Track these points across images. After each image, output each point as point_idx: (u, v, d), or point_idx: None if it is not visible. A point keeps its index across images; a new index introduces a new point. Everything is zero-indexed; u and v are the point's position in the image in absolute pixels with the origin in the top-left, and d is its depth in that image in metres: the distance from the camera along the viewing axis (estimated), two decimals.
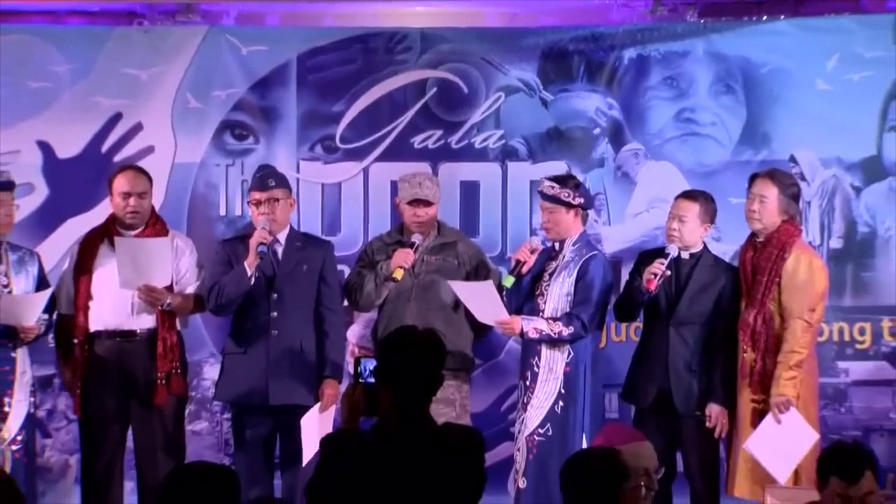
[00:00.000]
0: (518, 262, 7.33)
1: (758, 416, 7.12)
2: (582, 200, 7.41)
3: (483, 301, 7.26)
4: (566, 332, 7.22)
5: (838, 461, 5.26)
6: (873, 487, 5.11)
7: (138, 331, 7.41)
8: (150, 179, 7.58)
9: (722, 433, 7.21)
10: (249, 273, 7.30)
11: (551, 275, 7.36)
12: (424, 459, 4.62)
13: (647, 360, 7.36)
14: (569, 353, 7.27)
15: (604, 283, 7.38)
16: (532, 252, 7.32)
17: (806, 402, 7.16)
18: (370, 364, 4.86)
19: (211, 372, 8.22)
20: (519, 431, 7.34)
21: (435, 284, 7.47)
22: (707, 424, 7.18)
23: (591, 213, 8.33)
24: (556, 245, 7.45)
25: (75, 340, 7.43)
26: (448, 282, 7.36)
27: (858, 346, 8.36)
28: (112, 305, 7.40)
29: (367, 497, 4.59)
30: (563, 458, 7.11)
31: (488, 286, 7.26)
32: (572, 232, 7.40)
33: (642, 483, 5.03)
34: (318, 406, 7.24)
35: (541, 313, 7.29)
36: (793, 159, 8.36)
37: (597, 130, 8.57)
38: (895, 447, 8.11)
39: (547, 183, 7.52)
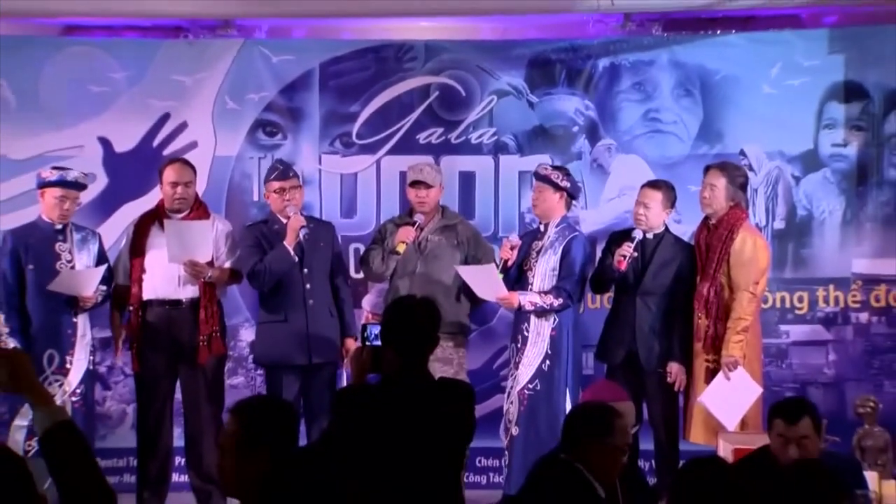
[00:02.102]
0: (504, 260, 7.37)
1: (710, 374, 7.15)
2: (568, 185, 7.45)
3: (485, 281, 7.27)
4: (556, 302, 7.28)
5: (783, 406, 5.34)
6: (810, 433, 5.13)
7: (184, 300, 7.43)
8: (194, 170, 7.58)
9: (680, 387, 7.25)
10: (291, 250, 7.33)
11: (538, 252, 7.40)
12: (423, 408, 4.67)
13: (617, 325, 7.39)
14: (554, 320, 7.32)
15: (584, 260, 7.44)
16: (512, 248, 7.35)
17: (751, 360, 7.18)
18: (375, 329, 4.91)
19: (246, 335, 8.25)
20: (511, 387, 7.38)
21: (437, 260, 7.46)
22: (668, 380, 7.22)
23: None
24: (542, 227, 7.50)
25: (130, 308, 7.47)
26: (455, 266, 7.36)
27: (797, 312, 8.36)
28: (162, 278, 7.41)
29: (376, 440, 4.62)
30: (549, 409, 7.32)
31: (490, 268, 7.28)
32: (556, 214, 7.45)
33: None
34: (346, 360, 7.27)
35: (530, 286, 7.34)
36: (742, 153, 8.35)
37: (576, 128, 8.56)
38: (829, 398, 8.07)
39: (542, 165, 7.59)
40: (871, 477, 5.75)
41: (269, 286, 7.40)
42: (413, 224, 7.43)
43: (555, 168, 7.57)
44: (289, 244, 7.31)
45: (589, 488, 4.74)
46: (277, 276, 7.35)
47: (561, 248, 7.38)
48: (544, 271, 7.37)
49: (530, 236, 7.56)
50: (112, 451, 8.16)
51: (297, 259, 7.33)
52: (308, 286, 7.39)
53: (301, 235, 7.30)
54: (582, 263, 7.40)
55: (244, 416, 3.80)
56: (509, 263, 7.36)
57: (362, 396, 4.73)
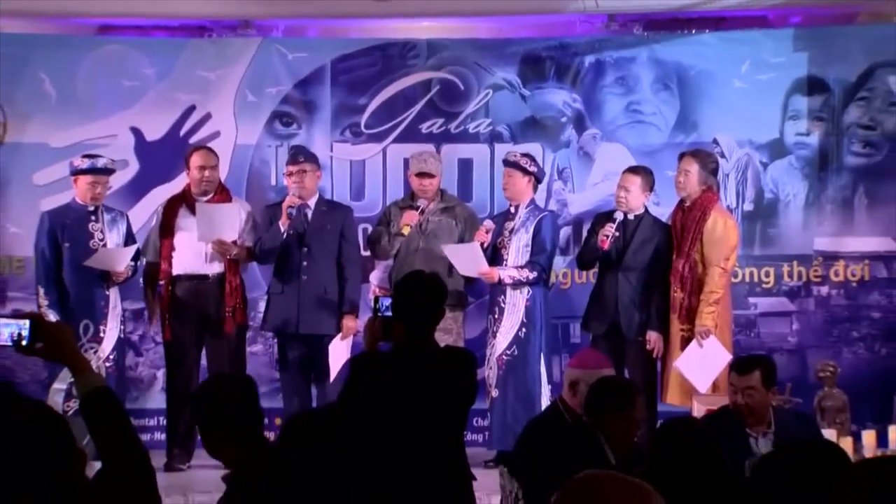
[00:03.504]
0: (481, 242, 7.37)
1: (685, 342, 7.17)
2: (535, 170, 7.50)
3: (468, 258, 7.30)
4: (531, 275, 7.32)
5: (739, 360, 5.44)
6: (756, 385, 5.21)
7: (210, 275, 7.46)
8: (217, 157, 7.62)
9: (658, 354, 7.26)
10: (283, 230, 7.34)
11: (511, 232, 7.44)
12: (430, 373, 4.70)
13: (601, 298, 7.39)
14: (528, 292, 7.36)
15: (554, 236, 7.52)
16: (487, 232, 7.37)
17: (722, 329, 7.20)
18: (386, 301, 4.93)
19: (264, 307, 8.31)
20: (489, 354, 7.41)
21: (438, 239, 7.49)
22: (647, 347, 7.24)
23: (559, 182, 8.47)
24: (513, 208, 7.52)
25: (161, 282, 7.50)
26: (441, 246, 7.38)
27: (765, 286, 8.35)
28: (190, 255, 7.45)
29: (387, 402, 4.66)
30: (525, 372, 7.34)
31: (474, 246, 7.31)
32: (525, 196, 7.48)
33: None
34: (340, 335, 7.30)
35: (504, 262, 7.38)
36: (715, 141, 8.32)
37: (564, 119, 8.53)
38: (792, 363, 8.07)
39: (511, 153, 7.62)
40: (829, 435, 5.80)
41: (266, 261, 7.51)
42: (416, 208, 7.45)
43: (523, 155, 7.59)
44: (282, 223, 7.33)
45: (601, 453, 4.74)
46: (271, 252, 7.39)
47: (532, 226, 7.42)
48: (518, 248, 7.41)
49: (502, 217, 7.60)
50: (143, 412, 8.17)
51: (285, 236, 7.32)
52: (304, 263, 7.42)
53: (288, 214, 7.28)
54: (552, 240, 7.47)
55: (205, 397, 3.83)
56: (485, 245, 7.38)
57: (375, 363, 4.75)
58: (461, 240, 7.51)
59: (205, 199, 7.51)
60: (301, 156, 7.55)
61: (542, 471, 4.65)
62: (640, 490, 1.97)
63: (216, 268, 7.46)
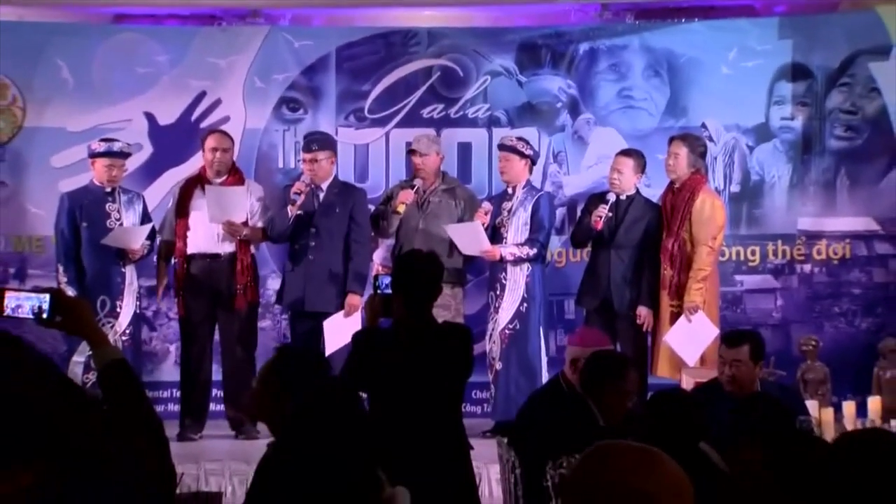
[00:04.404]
0: (481, 223, 7.38)
1: (674, 317, 7.18)
2: (531, 153, 7.52)
3: (471, 237, 7.31)
4: (532, 252, 7.34)
5: (729, 333, 5.45)
6: (744, 358, 5.22)
7: (222, 254, 7.46)
8: (231, 140, 7.64)
9: (648, 328, 7.28)
10: (290, 213, 7.34)
11: (509, 212, 7.44)
12: (428, 347, 4.70)
13: (594, 275, 7.41)
14: (528, 269, 7.38)
15: (550, 214, 7.54)
16: (486, 214, 7.38)
17: (710, 305, 7.21)
18: (386, 279, 4.93)
19: (273, 284, 8.22)
20: (492, 329, 7.43)
21: (438, 219, 7.49)
22: (637, 322, 7.25)
23: (554, 165, 8.47)
24: (510, 189, 7.53)
25: (175, 260, 7.52)
26: (443, 226, 7.39)
27: (750, 264, 8.36)
28: (203, 235, 7.46)
29: (387, 375, 4.66)
30: (526, 346, 7.36)
31: (476, 225, 7.31)
32: (522, 178, 7.49)
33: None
34: (342, 312, 7.28)
35: (504, 240, 7.39)
36: (704, 126, 8.31)
37: (559, 104, 8.53)
38: (776, 338, 8.05)
39: (507, 137, 7.63)
40: (812, 405, 5.82)
41: (276, 241, 7.55)
42: (413, 188, 7.44)
43: (518, 139, 7.60)
44: (289, 207, 7.32)
45: (597, 427, 4.78)
46: (279, 232, 7.40)
47: (531, 206, 7.43)
48: (517, 227, 7.42)
49: (499, 198, 7.60)
50: (158, 384, 8.19)
51: (294, 218, 7.31)
52: (312, 244, 7.40)
53: (292, 200, 7.28)
54: (549, 218, 7.49)
55: (278, 361, 3.85)
56: (484, 225, 7.39)
57: (375, 338, 4.77)
58: (461, 220, 7.50)
59: (218, 180, 7.51)
60: (315, 144, 7.50)
61: (541, 442, 4.69)
62: (652, 455, 1.99)
63: (228, 247, 7.47)
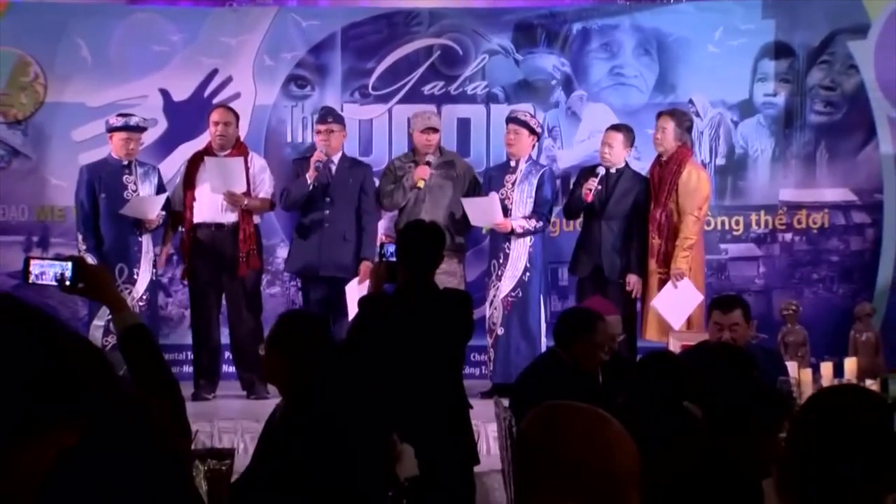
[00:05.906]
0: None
1: (661, 284, 7.21)
2: (540, 130, 7.53)
3: (486, 210, 7.28)
4: (539, 224, 7.37)
5: (720, 299, 5.45)
6: (740, 321, 5.21)
7: (226, 223, 7.44)
8: (236, 115, 7.61)
9: (637, 295, 7.30)
10: (309, 182, 7.37)
11: (513, 185, 7.43)
12: (430, 311, 4.73)
13: (586, 245, 7.42)
14: (530, 239, 7.39)
15: (553, 189, 7.53)
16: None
17: (696, 272, 7.24)
18: (391, 247, 4.96)
19: (281, 252, 8.25)
20: (493, 296, 7.43)
21: (439, 190, 7.47)
22: (627, 288, 7.27)
23: (549, 139, 8.47)
24: (513, 162, 7.51)
25: (183, 229, 7.53)
26: (461, 199, 7.35)
27: (735, 233, 8.36)
28: (208, 205, 7.44)
29: (391, 338, 4.69)
30: (527, 312, 7.36)
31: (493, 198, 7.30)
32: (526, 153, 7.48)
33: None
34: (357, 279, 7.30)
35: (509, 212, 7.38)
36: (691, 102, 8.30)
37: (553, 81, 8.51)
38: (759, 303, 8.04)
39: (521, 112, 7.60)
40: (791, 367, 5.84)
41: (291, 208, 7.54)
42: (427, 164, 7.42)
43: (532, 115, 7.61)
44: (309, 176, 7.32)
45: (568, 372, 4.81)
46: (296, 200, 7.40)
47: (536, 180, 7.41)
48: (522, 199, 7.41)
49: (501, 170, 7.57)
50: (173, 347, 8.17)
51: (312, 189, 7.32)
52: (327, 212, 7.42)
53: (315, 167, 7.28)
54: (552, 192, 7.50)
55: (280, 327, 3.86)
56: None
57: (380, 303, 4.78)
58: (463, 194, 7.47)
59: (223, 153, 7.50)
60: (330, 116, 7.55)
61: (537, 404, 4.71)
62: (598, 417, 2.01)
63: (231, 217, 7.45)
